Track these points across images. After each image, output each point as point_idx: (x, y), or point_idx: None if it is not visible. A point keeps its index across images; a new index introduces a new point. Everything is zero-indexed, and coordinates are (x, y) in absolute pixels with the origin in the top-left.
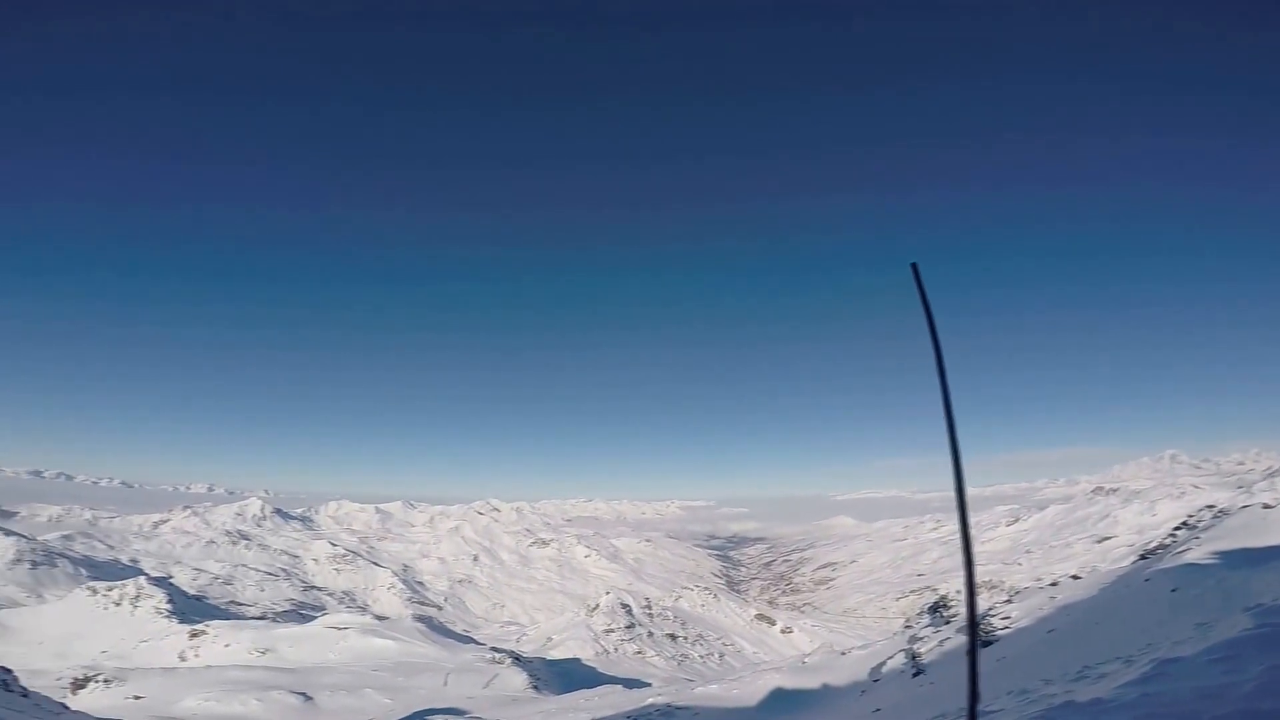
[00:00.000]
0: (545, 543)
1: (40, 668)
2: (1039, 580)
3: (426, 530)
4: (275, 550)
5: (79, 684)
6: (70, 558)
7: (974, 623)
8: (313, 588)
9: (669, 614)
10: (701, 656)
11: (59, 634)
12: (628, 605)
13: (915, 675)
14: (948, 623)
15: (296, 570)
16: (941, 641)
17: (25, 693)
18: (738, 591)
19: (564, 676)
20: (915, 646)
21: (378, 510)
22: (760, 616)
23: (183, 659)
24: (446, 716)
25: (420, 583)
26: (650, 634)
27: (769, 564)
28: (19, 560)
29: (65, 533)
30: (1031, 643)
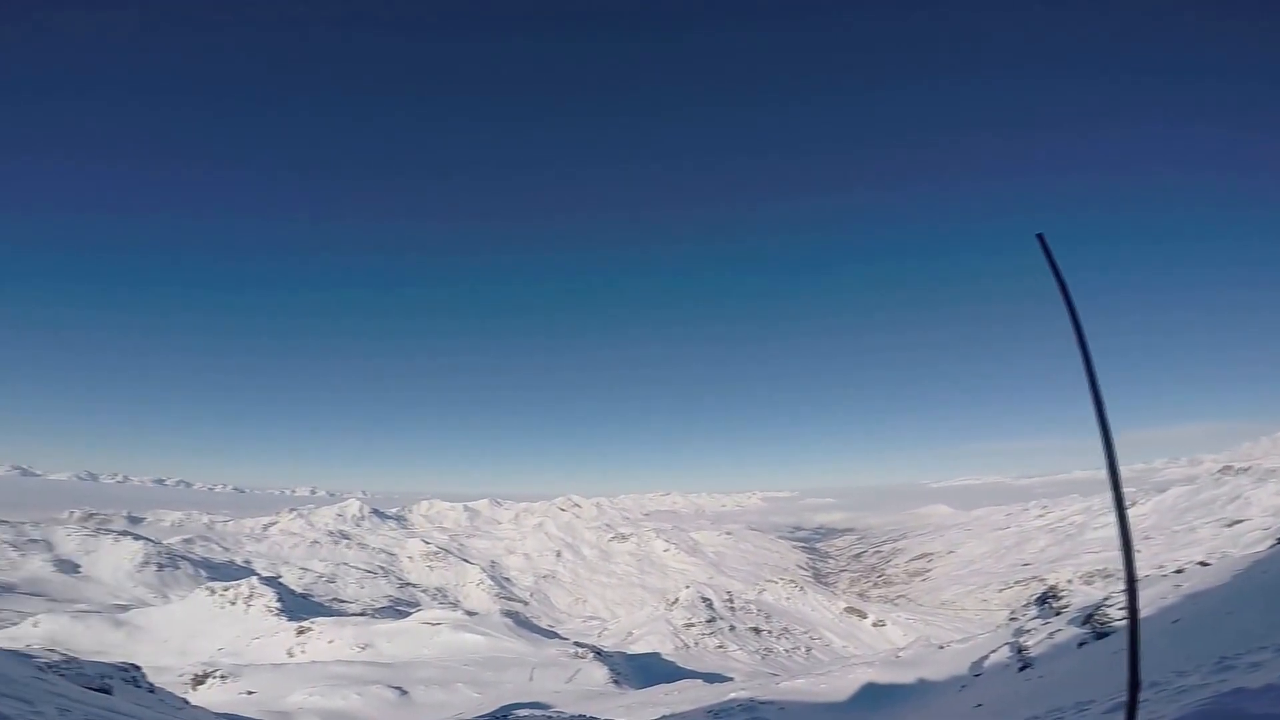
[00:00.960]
0: (624, 537)
1: (165, 664)
2: (1160, 568)
3: (512, 527)
4: (373, 549)
5: (199, 680)
6: (191, 560)
7: (1134, 609)
8: (408, 584)
9: (752, 607)
10: (787, 651)
11: (181, 632)
12: (708, 599)
13: (1021, 669)
14: (1058, 614)
15: (393, 568)
16: (1051, 634)
17: (152, 689)
18: (825, 584)
19: (644, 670)
20: (1021, 639)
21: (466, 508)
22: (850, 609)
23: (290, 655)
24: (532, 711)
25: (507, 578)
26: (732, 628)
27: (858, 555)
28: (147, 563)
29: (186, 536)
30: (1154, 634)
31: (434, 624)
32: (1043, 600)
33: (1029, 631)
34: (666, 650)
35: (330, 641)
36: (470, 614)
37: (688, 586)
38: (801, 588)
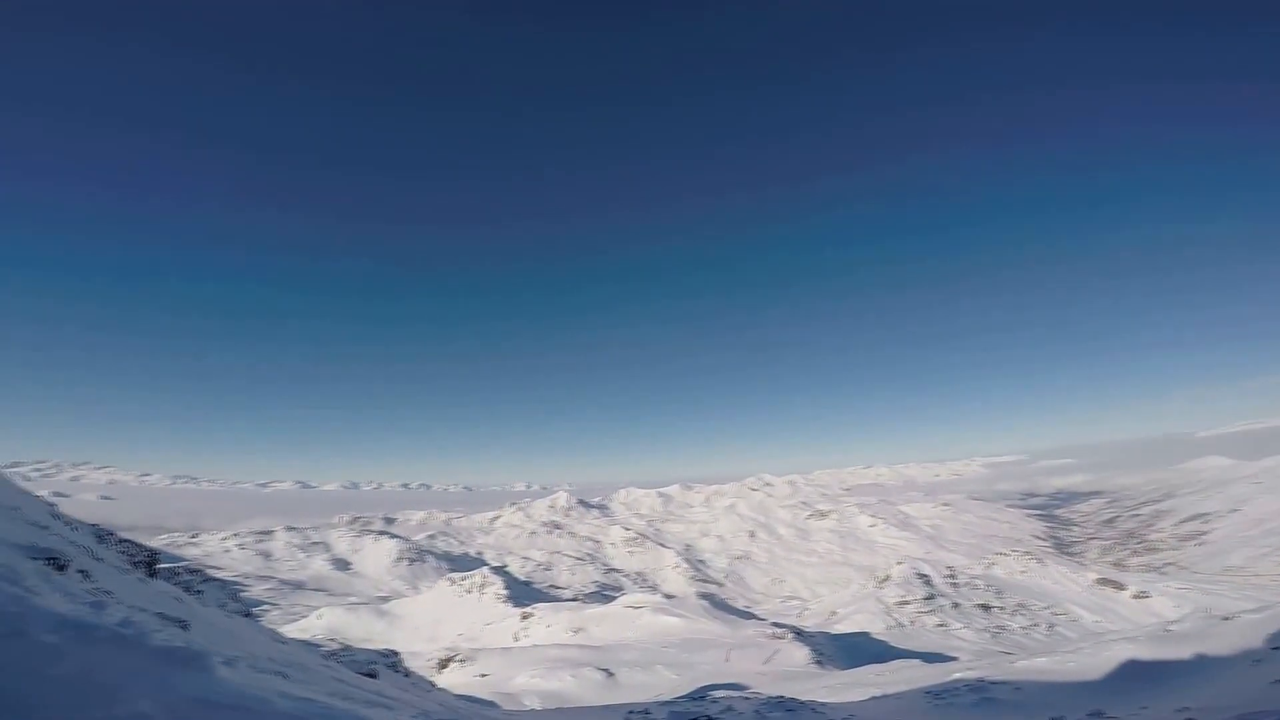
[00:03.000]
0: (824, 514)
1: (416, 649)
2: None
3: (704, 510)
4: (581, 537)
5: (443, 664)
6: (434, 554)
7: None
8: (612, 570)
9: (979, 582)
10: (1023, 628)
11: (429, 619)
12: (925, 575)
13: None
14: None
15: (598, 554)
16: None
17: (407, 673)
18: (1070, 554)
19: (851, 651)
20: None
21: (660, 494)
22: (1103, 580)
23: (516, 639)
24: (729, 691)
25: (701, 561)
26: (956, 605)
27: (1110, 520)
28: (400, 558)
29: (430, 533)
30: None
31: (636, 608)
32: None
33: None
34: (876, 630)
35: (548, 626)
36: (668, 597)
37: (900, 562)
38: (1040, 559)
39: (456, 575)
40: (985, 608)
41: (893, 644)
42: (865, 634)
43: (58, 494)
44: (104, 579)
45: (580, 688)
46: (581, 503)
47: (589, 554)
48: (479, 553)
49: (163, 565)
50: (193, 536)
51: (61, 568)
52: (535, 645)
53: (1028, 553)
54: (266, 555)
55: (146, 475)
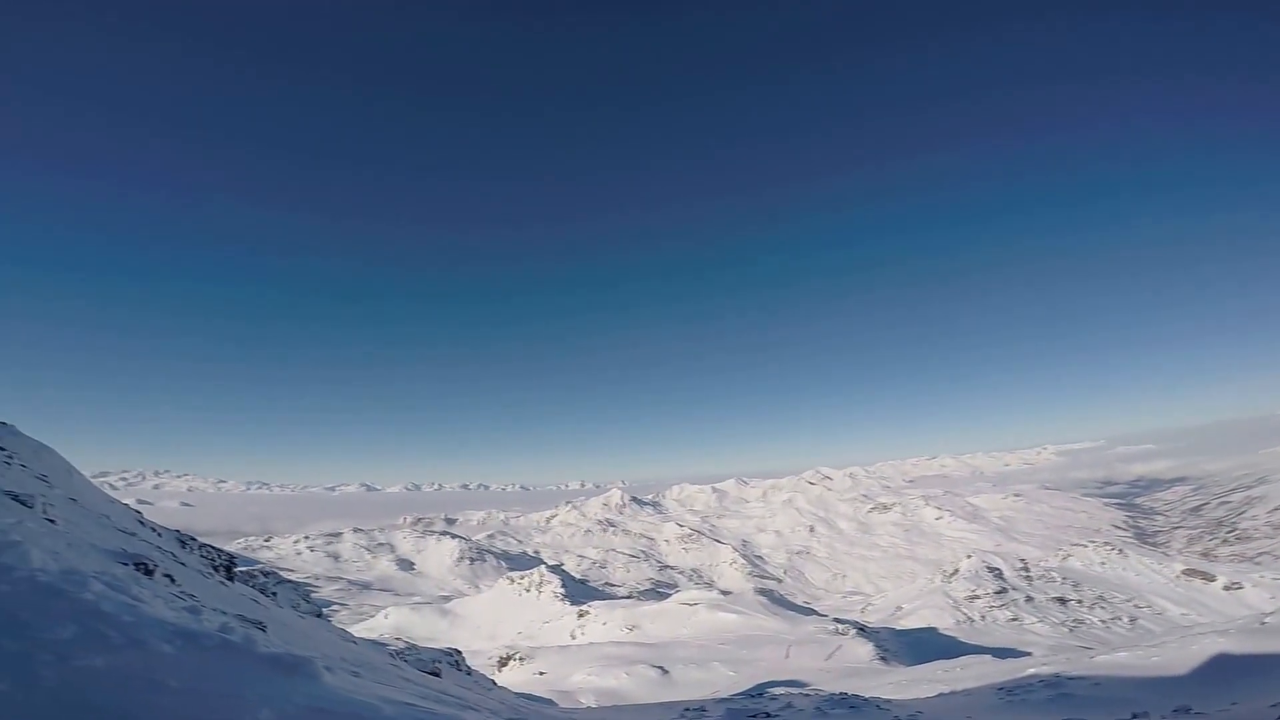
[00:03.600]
0: (886, 507)
1: (477, 648)
2: None
3: (760, 505)
4: (635, 534)
5: (502, 662)
6: (493, 553)
7: None
8: (667, 567)
9: (1054, 575)
10: (1103, 622)
11: (489, 618)
12: (996, 568)
13: None
14: None
15: (653, 551)
16: None
17: (469, 671)
18: (1153, 544)
19: (917, 646)
20: None
21: (714, 489)
22: (1190, 572)
23: (573, 637)
24: (788, 688)
25: (759, 556)
26: (1029, 598)
27: (1197, 509)
28: (461, 558)
29: (489, 532)
30: None
31: (691, 604)
32: None
33: None
34: (945, 625)
35: (604, 624)
36: (725, 593)
37: (969, 556)
38: (1121, 550)
39: (515, 574)
40: (1061, 601)
41: (962, 640)
42: (932, 629)
43: (141, 501)
44: (188, 583)
45: (635, 685)
46: (635, 500)
47: (643, 551)
48: (536, 551)
49: (240, 568)
50: (266, 540)
51: (149, 572)
52: (591, 643)
53: (1107, 543)
54: (335, 557)
55: (223, 481)
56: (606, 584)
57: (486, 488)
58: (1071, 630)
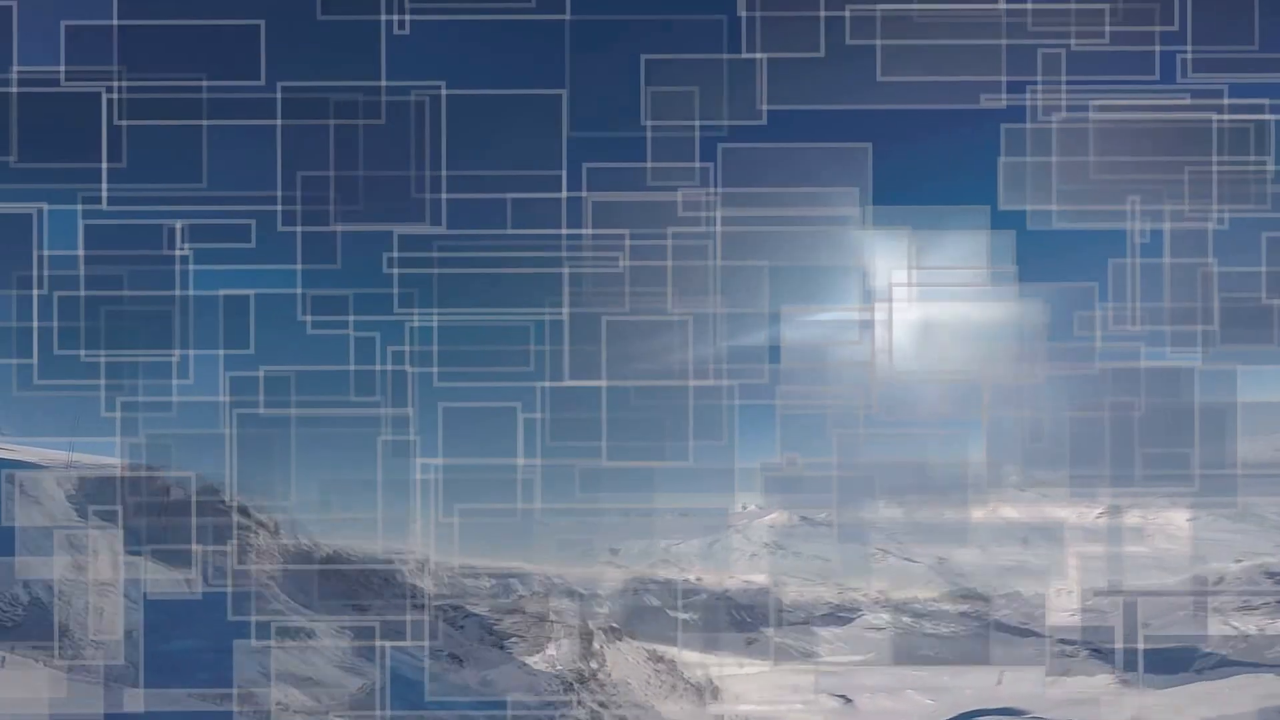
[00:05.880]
0: (1119, 509)
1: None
2: None
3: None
4: (807, 556)
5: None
6: (657, 581)
7: None
8: (847, 590)
9: None
10: None
11: None
12: (1277, 574)
13: None
14: None
15: (828, 573)
16: None
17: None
18: None
19: (1168, 666)
20: None
21: (899, 502)
22: None
23: (740, 665)
24: (1000, 718)
25: (960, 575)
26: None
27: None
28: (625, 589)
29: (651, 561)
30: None
31: (879, 629)
32: None
33: None
34: (1206, 641)
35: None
36: (918, 616)
37: (1238, 560)
38: None
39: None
40: None
41: (1231, 657)
42: (1191, 649)
43: None
44: None
45: (812, 715)
46: (804, 519)
47: (817, 573)
48: (699, 579)
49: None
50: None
51: None
52: (760, 671)
53: None
54: (511, 588)
55: None
56: (778, 610)
57: (646, 516)
58: None
